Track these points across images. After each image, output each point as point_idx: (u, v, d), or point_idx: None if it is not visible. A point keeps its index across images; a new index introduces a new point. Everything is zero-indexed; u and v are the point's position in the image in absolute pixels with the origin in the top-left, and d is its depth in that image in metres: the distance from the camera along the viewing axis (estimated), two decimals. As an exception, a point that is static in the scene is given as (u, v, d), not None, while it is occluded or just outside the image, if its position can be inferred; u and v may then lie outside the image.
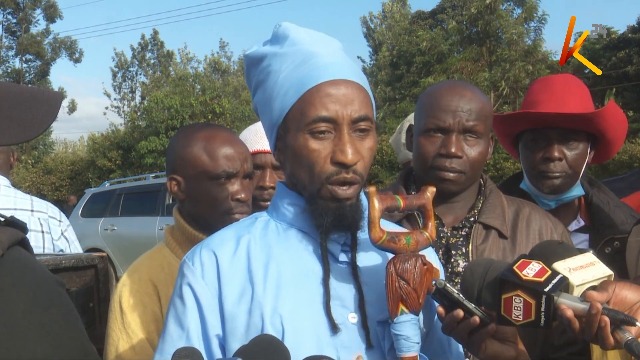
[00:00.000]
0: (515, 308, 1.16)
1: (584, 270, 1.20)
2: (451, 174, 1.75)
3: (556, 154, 2.10)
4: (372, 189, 1.24)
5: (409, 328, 1.21)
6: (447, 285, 1.25)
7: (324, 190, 1.26)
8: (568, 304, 1.14)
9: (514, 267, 1.18)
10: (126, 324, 1.77)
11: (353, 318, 1.27)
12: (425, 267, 1.23)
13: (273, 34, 1.36)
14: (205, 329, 1.26)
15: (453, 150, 1.73)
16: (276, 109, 1.30)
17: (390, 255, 1.34)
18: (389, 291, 1.22)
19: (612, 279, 1.22)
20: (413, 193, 1.87)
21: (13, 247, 1.06)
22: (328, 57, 1.29)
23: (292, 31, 1.33)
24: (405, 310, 1.21)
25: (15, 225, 1.14)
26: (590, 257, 1.25)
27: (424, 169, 1.79)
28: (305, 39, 1.32)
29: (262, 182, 2.21)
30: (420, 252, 1.27)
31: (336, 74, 1.27)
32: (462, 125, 1.74)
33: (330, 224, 1.26)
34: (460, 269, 1.74)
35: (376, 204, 1.23)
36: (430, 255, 1.41)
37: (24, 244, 1.12)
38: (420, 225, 1.77)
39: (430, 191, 1.32)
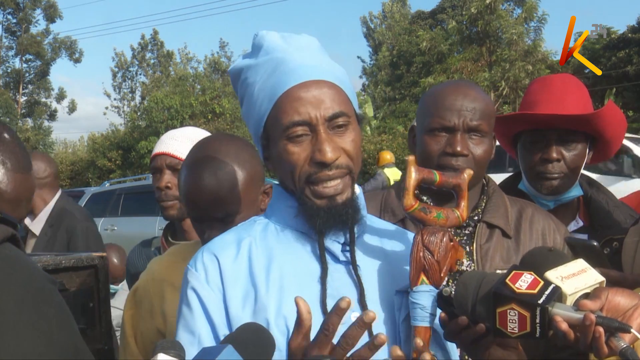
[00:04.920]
0: (510, 321, 1.16)
1: (576, 278, 1.21)
2: None
3: (554, 155, 2.11)
4: (412, 157, 1.27)
5: (426, 298, 1.22)
6: (453, 292, 1.25)
7: (307, 191, 1.27)
8: (562, 315, 1.14)
9: (507, 280, 1.18)
10: (125, 317, 1.92)
11: (355, 316, 1.27)
12: (451, 243, 1.25)
13: (252, 45, 1.38)
14: (215, 332, 1.26)
15: (459, 148, 1.74)
16: (255, 121, 1.33)
17: (391, 258, 1.36)
18: (413, 260, 1.24)
19: (605, 285, 1.22)
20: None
21: (3, 244, 1.06)
22: (297, 60, 1.30)
23: (266, 40, 1.34)
24: (426, 281, 1.23)
25: (6, 222, 1.14)
26: (581, 263, 1.25)
27: (429, 168, 1.79)
28: (278, 46, 1.33)
29: (158, 184, 2.37)
30: None
31: (303, 76, 1.28)
32: (467, 124, 1.75)
33: (323, 224, 1.27)
34: (464, 268, 1.75)
35: (413, 173, 1.26)
36: None
37: (15, 240, 1.12)
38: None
39: (468, 173, 1.34)
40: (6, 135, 1.43)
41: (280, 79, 1.28)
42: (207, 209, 1.64)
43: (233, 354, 1.00)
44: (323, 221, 1.27)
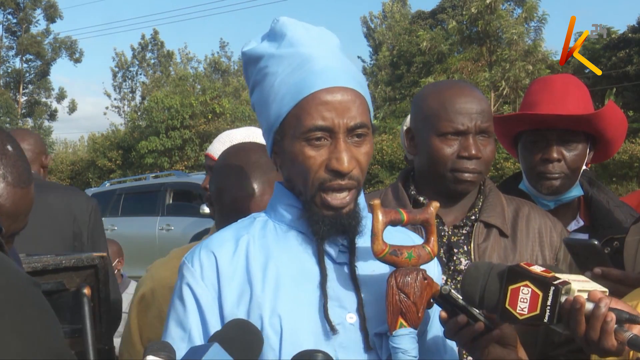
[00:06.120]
0: (522, 300, 1.16)
1: (581, 282, 1.22)
2: (471, 175, 1.78)
3: (555, 155, 2.11)
4: (376, 201, 1.25)
5: (407, 342, 1.22)
6: (452, 291, 1.25)
7: (318, 198, 1.27)
8: (575, 295, 1.16)
9: (521, 264, 1.19)
10: (131, 325, 1.91)
11: (351, 318, 1.27)
12: (425, 281, 1.24)
13: (271, 29, 1.35)
14: (206, 330, 1.26)
15: (474, 152, 1.76)
16: (273, 114, 1.30)
17: None
18: (389, 304, 1.22)
19: (607, 295, 1.23)
20: (413, 193, 1.88)
21: None
22: (324, 60, 1.28)
23: (290, 29, 1.31)
24: (405, 324, 1.22)
25: None
26: (583, 277, 1.27)
27: (441, 172, 1.79)
28: (302, 39, 1.30)
29: (202, 184, 2.40)
30: (422, 266, 1.27)
31: (332, 81, 1.26)
32: (478, 126, 1.77)
33: (326, 231, 1.27)
34: (462, 267, 1.76)
35: (380, 217, 1.24)
36: (433, 270, 1.41)
37: None
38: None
39: (434, 206, 1.32)
40: (9, 148, 1.40)
41: (307, 77, 1.26)
42: None
43: (220, 351, 1.00)
44: (326, 229, 1.27)
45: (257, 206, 1.69)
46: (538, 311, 1.15)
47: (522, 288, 1.16)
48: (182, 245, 2.18)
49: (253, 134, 2.49)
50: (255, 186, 1.72)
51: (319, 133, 1.24)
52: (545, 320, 1.15)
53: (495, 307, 1.20)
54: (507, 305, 1.17)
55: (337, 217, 1.27)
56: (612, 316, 1.13)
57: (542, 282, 1.15)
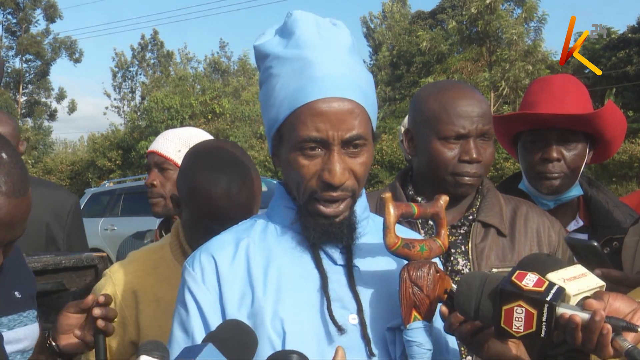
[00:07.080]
0: (516, 319, 1.15)
1: (578, 280, 1.20)
2: (472, 179, 1.78)
3: (554, 154, 2.11)
4: (388, 195, 1.24)
5: (421, 335, 1.21)
6: (453, 285, 1.25)
7: (311, 206, 1.27)
8: (570, 313, 1.14)
9: (513, 278, 1.17)
10: None
11: (353, 319, 1.27)
12: (438, 274, 1.24)
13: (283, 23, 1.32)
14: (208, 332, 1.26)
15: (475, 156, 1.75)
16: (271, 118, 1.30)
17: (391, 259, 1.35)
18: (403, 297, 1.22)
19: (604, 289, 1.22)
20: (411, 193, 1.88)
21: None
22: (326, 67, 1.24)
23: (299, 27, 1.28)
24: (418, 317, 1.22)
25: None
26: (581, 268, 1.25)
27: (442, 175, 1.79)
28: (309, 41, 1.27)
29: (146, 181, 2.42)
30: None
31: (329, 90, 1.23)
32: (479, 129, 1.76)
33: (317, 237, 1.27)
34: (460, 267, 1.75)
35: (392, 210, 1.24)
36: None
37: None
38: (420, 229, 1.79)
39: (444, 200, 1.31)
40: (4, 155, 1.37)
41: (304, 85, 1.24)
42: (231, 219, 1.51)
43: (214, 352, 1.00)
44: (318, 235, 1.27)
45: (235, 206, 1.61)
46: (534, 328, 1.14)
47: (515, 308, 1.14)
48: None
49: (199, 134, 2.44)
50: (233, 184, 1.65)
51: (312, 144, 1.23)
52: (543, 335, 1.14)
53: (491, 322, 1.19)
54: (502, 325, 1.16)
55: (328, 226, 1.26)
56: (608, 328, 1.11)
57: (535, 301, 1.13)
